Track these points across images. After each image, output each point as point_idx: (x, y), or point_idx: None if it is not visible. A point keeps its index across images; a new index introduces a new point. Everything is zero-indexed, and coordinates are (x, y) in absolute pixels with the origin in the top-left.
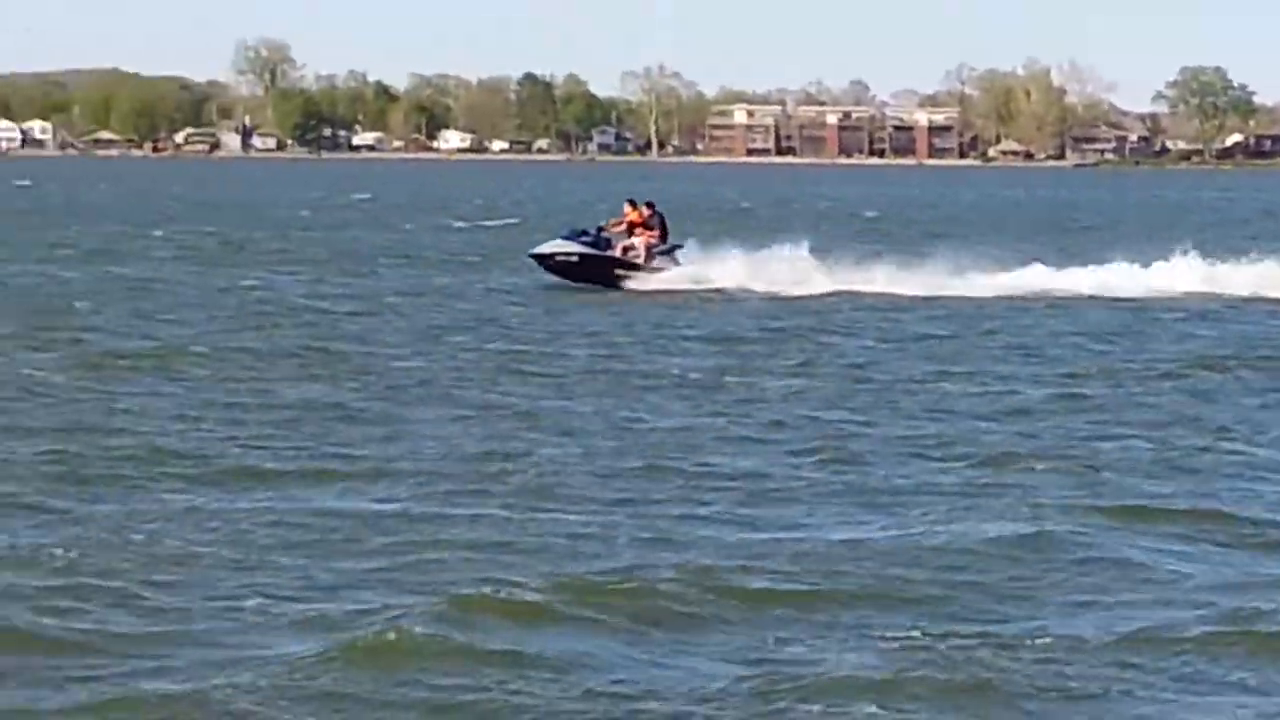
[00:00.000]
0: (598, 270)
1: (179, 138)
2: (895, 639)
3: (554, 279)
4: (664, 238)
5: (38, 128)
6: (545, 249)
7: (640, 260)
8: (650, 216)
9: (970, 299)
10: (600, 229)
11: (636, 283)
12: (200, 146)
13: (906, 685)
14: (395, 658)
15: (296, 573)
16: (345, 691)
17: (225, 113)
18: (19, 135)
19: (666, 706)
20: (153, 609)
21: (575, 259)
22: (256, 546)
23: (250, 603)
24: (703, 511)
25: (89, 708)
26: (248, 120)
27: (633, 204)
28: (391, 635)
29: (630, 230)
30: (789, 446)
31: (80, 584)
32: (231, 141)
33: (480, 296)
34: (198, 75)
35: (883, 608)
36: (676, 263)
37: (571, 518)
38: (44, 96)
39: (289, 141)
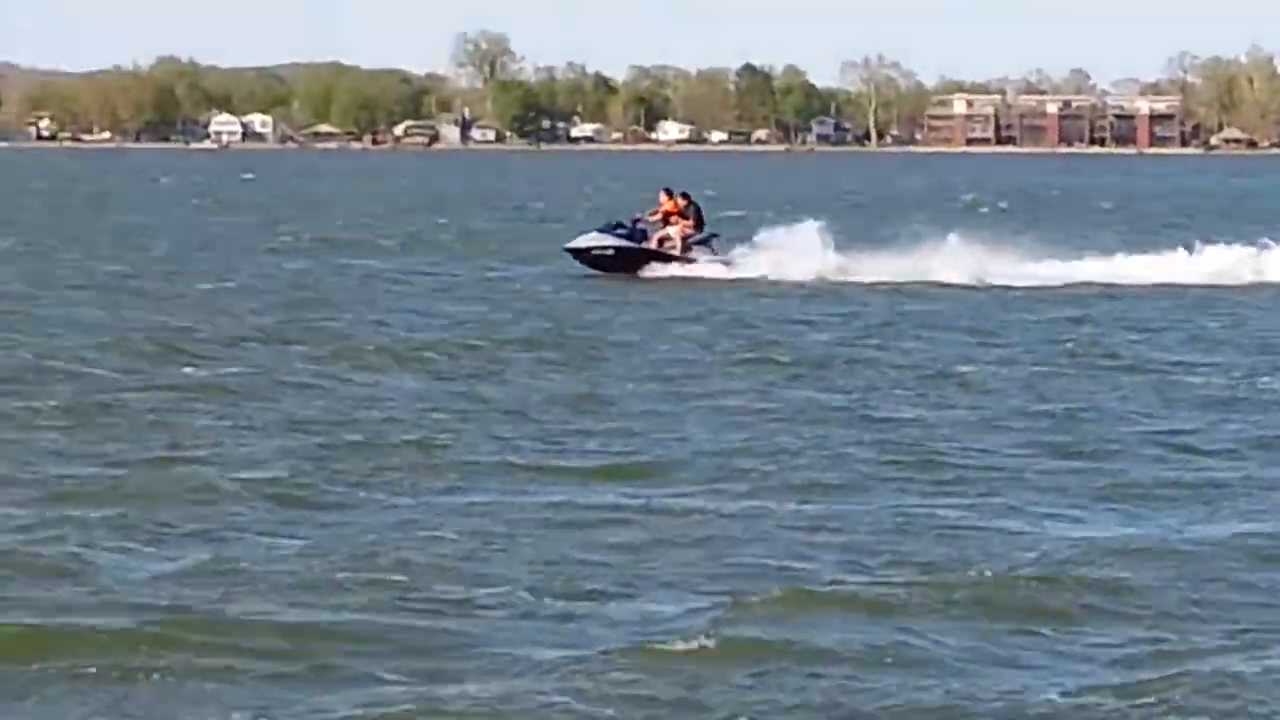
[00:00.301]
0: (633, 263)
1: (398, 130)
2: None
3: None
4: (699, 227)
5: (258, 121)
6: (580, 243)
7: (676, 251)
8: (686, 206)
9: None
10: (636, 220)
11: (658, 271)
12: (419, 139)
13: None
14: (722, 657)
15: (595, 570)
16: (672, 696)
17: (444, 105)
18: (239, 129)
19: (1038, 706)
20: (441, 605)
21: (610, 252)
22: (542, 543)
23: (547, 601)
24: (1017, 503)
25: (388, 707)
26: (467, 113)
27: (669, 193)
28: (709, 635)
29: (666, 220)
30: (1034, 437)
31: (368, 579)
32: (451, 134)
33: (710, 288)
34: (416, 68)
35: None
36: (713, 252)
37: (846, 509)
38: (264, 90)
39: (508, 134)
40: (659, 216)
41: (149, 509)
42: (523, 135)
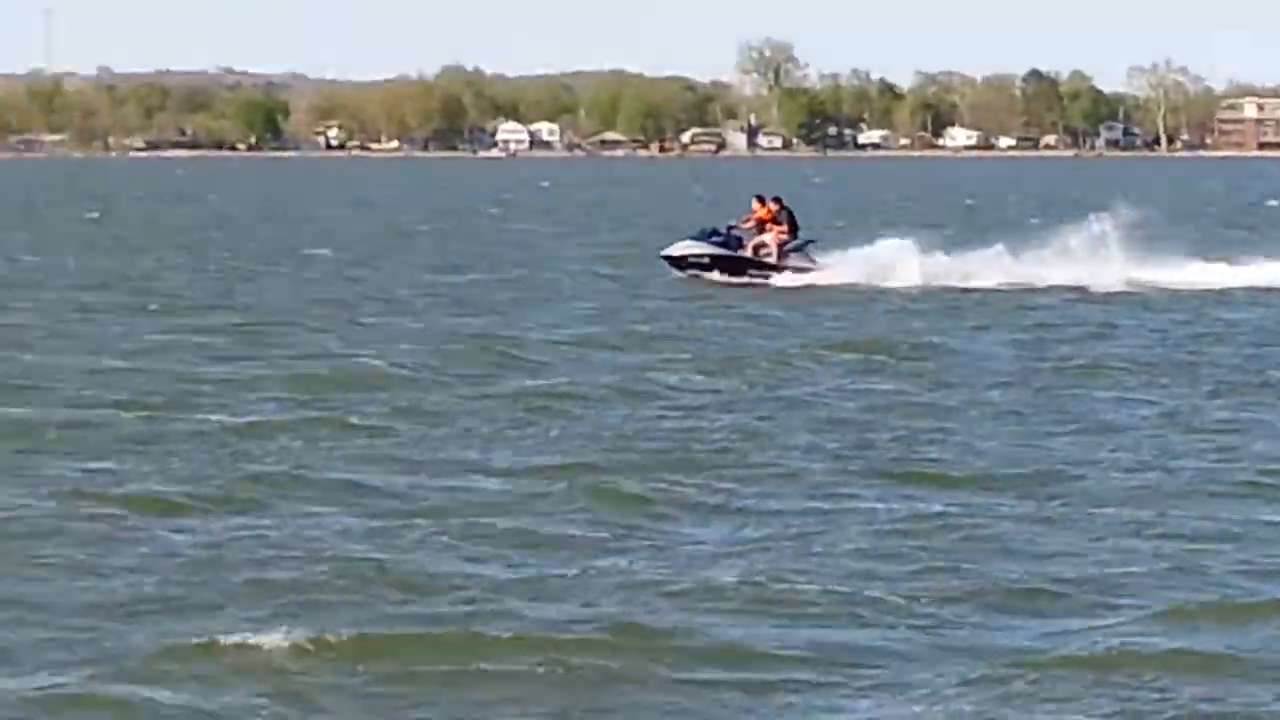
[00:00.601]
0: (731, 269)
1: (684, 138)
2: None
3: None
4: (794, 233)
5: (545, 129)
6: (676, 250)
7: (773, 258)
8: (779, 212)
9: None
10: (731, 227)
11: (783, 280)
12: (706, 146)
13: None
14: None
15: (1004, 579)
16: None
17: (729, 113)
18: (527, 137)
19: None
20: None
21: (706, 260)
22: (936, 553)
23: (950, 612)
24: None
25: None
26: (753, 119)
27: (761, 200)
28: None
29: (760, 227)
30: None
31: (764, 592)
32: (737, 141)
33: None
34: (699, 75)
35: None
36: (811, 259)
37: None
38: (551, 99)
39: (794, 140)
40: (752, 224)
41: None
42: (809, 142)
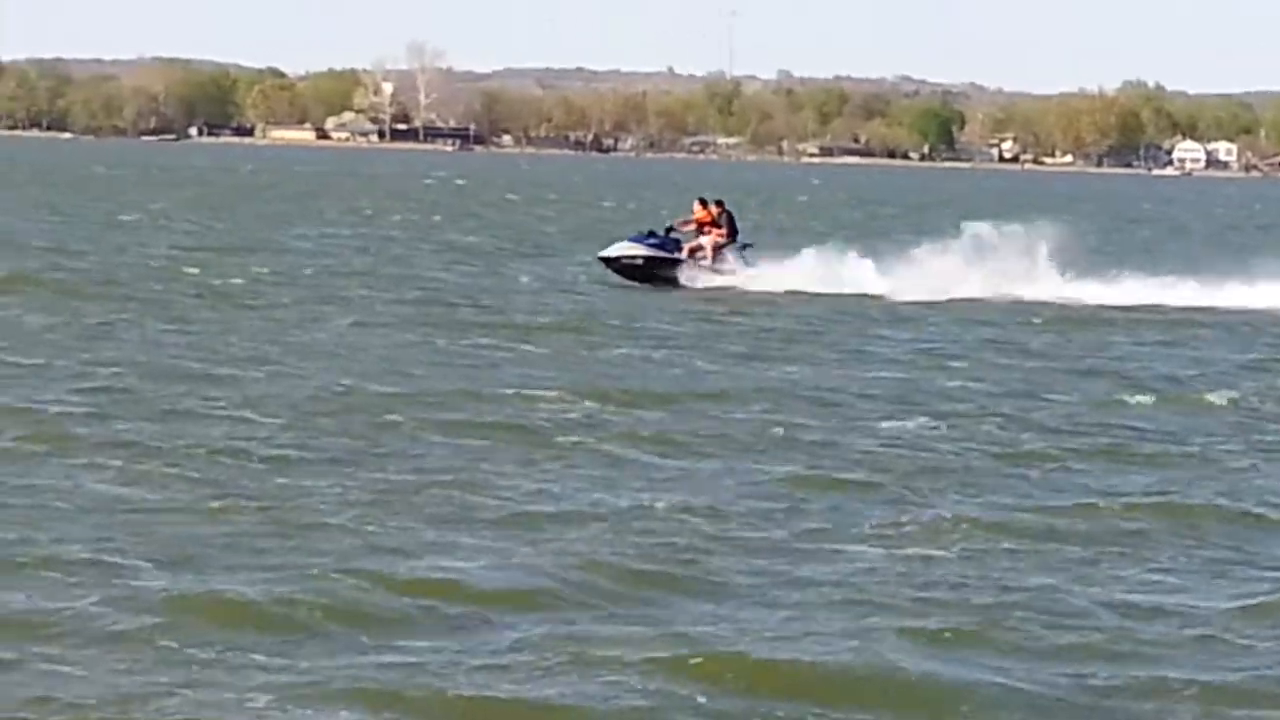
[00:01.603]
0: (662, 271)
1: None
2: None
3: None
4: (733, 237)
5: (1222, 149)
6: (612, 251)
7: (707, 260)
8: (720, 215)
9: None
10: (670, 229)
11: (691, 280)
12: None
13: None
14: None
15: None
16: None
17: None
18: (1203, 156)
19: None
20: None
21: (639, 261)
22: None
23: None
24: None
25: None
26: None
27: (703, 202)
28: None
29: (700, 229)
30: None
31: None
32: None
33: None
34: None
35: None
36: (747, 262)
37: None
38: (1231, 118)
39: None
40: (693, 226)
41: None
42: None
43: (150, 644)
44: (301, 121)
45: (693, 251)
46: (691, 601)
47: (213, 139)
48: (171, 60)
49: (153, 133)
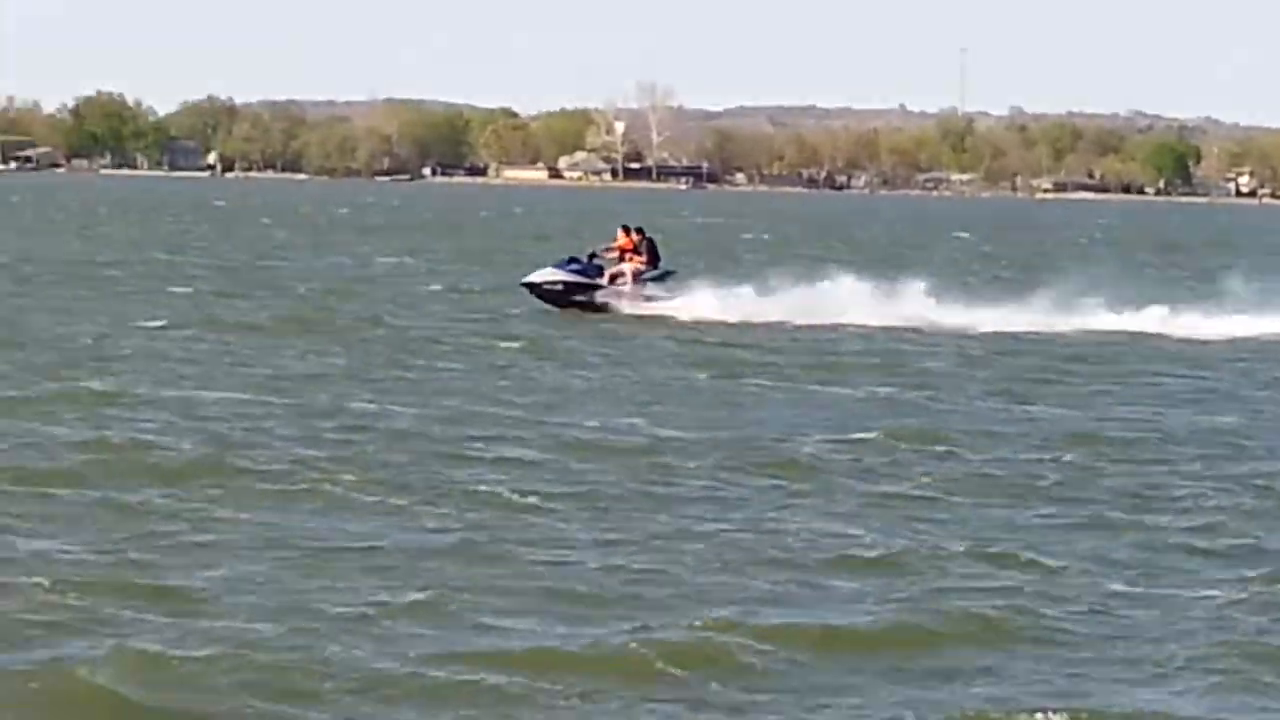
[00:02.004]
0: (581, 296)
1: None
2: None
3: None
4: (654, 263)
5: None
6: (534, 277)
7: (627, 287)
8: (640, 242)
9: None
10: (592, 255)
11: (615, 303)
12: None
13: None
14: None
15: None
16: None
17: None
18: None
19: None
20: None
21: (559, 286)
22: None
23: None
24: None
25: None
26: None
27: (625, 230)
28: None
29: (622, 256)
30: None
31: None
32: None
33: None
34: None
35: None
36: (667, 290)
37: None
38: None
39: None
40: (615, 253)
41: None
42: None
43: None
44: (534, 161)
45: (613, 278)
46: (1037, 651)
47: (446, 179)
48: (403, 101)
49: (386, 173)
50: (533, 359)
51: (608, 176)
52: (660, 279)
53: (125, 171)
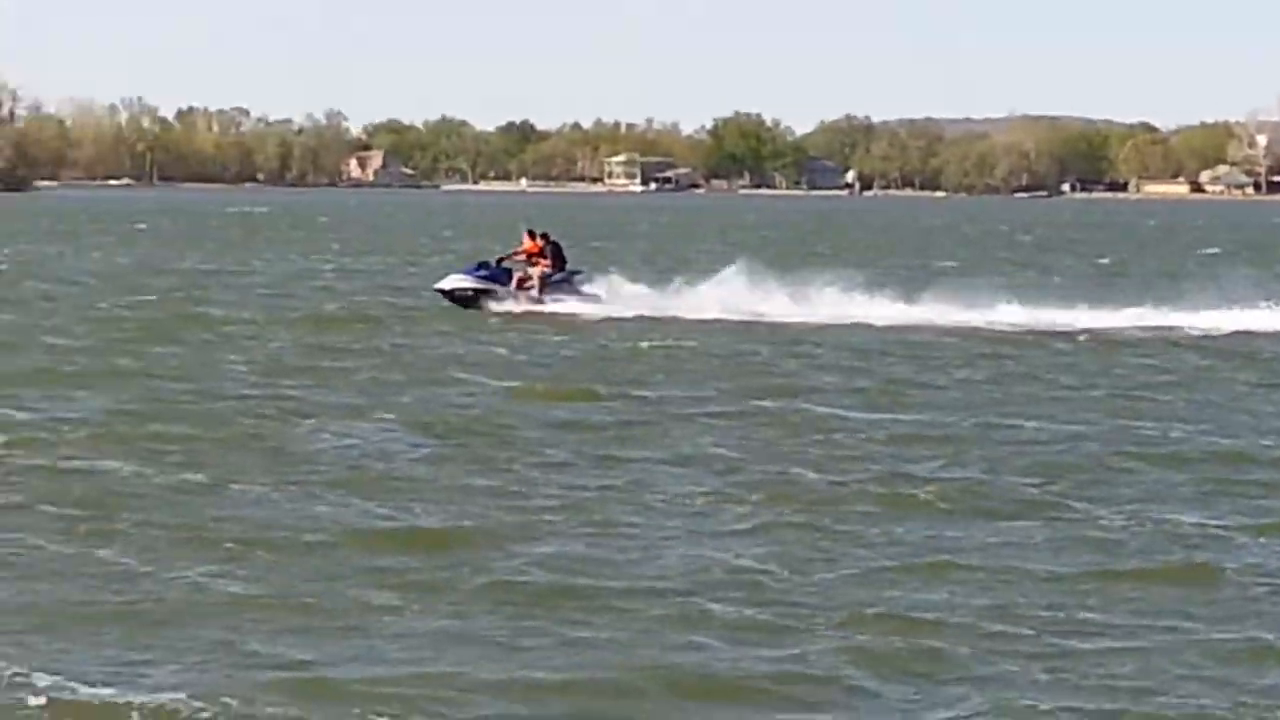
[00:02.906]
0: (492, 302)
1: None
2: None
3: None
4: (560, 266)
5: None
6: (445, 284)
7: (534, 290)
8: (545, 246)
9: None
10: (500, 260)
11: (500, 305)
12: None
13: None
14: None
15: None
16: None
17: None
18: None
19: None
20: None
21: (470, 292)
22: None
23: None
24: None
25: None
26: None
27: (531, 234)
28: None
29: (529, 260)
30: None
31: None
32: None
33: None
34: None
35: None
36: (577, 290)
37: None
38: None
39: None
40: (521, 257)
41: None
42: None
43: None
44: (1175, 175)
45: (521, 282)
46: None
47: (1085, 195)
48: (1039, 117)
49: (1025, 189)
50: None
51: (1250, 190)
52: (568, 280)
53: (764, 191)
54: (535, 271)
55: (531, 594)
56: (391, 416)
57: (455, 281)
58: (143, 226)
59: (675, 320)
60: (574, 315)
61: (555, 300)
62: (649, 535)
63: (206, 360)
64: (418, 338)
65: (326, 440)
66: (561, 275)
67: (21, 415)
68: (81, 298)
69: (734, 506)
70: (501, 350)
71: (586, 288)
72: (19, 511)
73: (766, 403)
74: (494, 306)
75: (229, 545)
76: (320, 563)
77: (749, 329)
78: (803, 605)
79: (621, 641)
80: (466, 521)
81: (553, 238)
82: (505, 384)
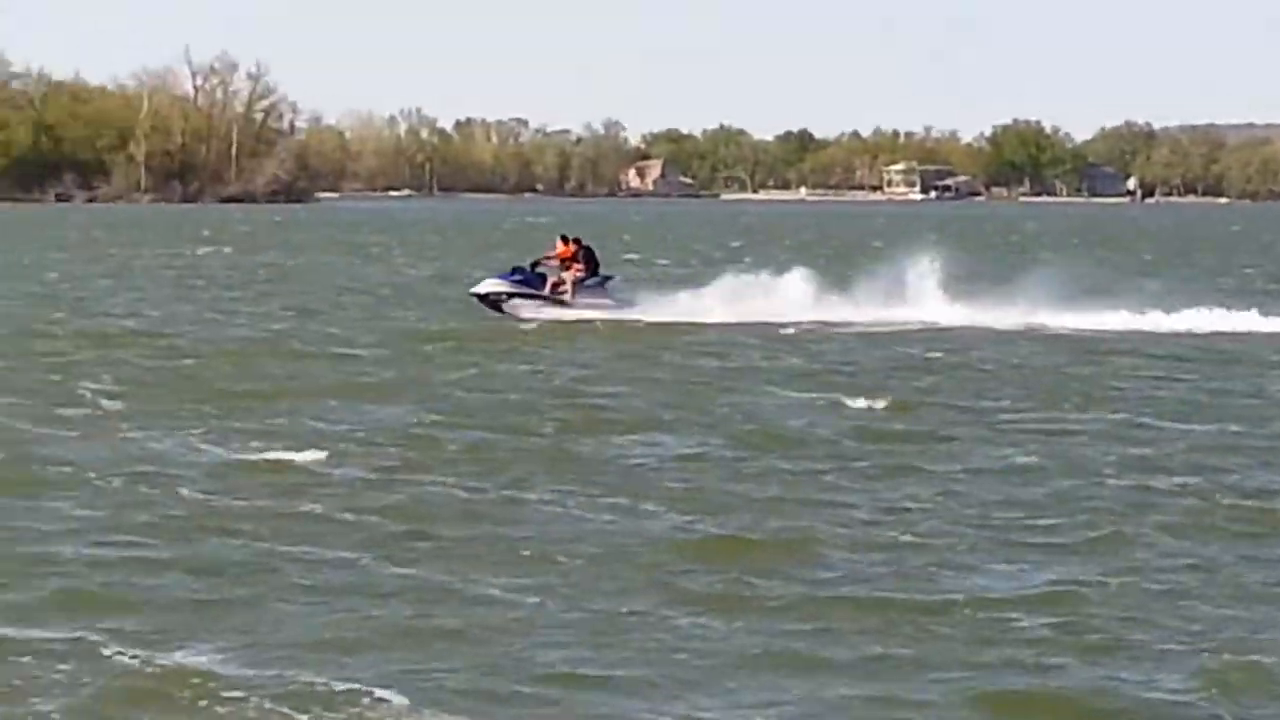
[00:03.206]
0: (526, 306)
1: None
2: None
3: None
4: (593, 271)
5: None
6: (481, 288)
7: (567, 295)
8: (578, 251)
9: None
10: (534, 265)
11: (518, 312)
12: None
13: None
14: None
15: None
16: None
17: None
18: None
19: None
20: None
21: (504, 296)
22: None
23: None
24: None
25: None
26: None
27: (564, 239)
28: None
29: (562, 264)
30: None
31: None
32: None
33: None
34: None
35: None
36: (608, 294)
37: None
38: None
39: None
40: (555, 261)
41: None
42: None
43: None
44: None
45: (555, 286)
46: None
47: None
48: None
49: None
50: None
51: None
52: (601, 284)
53: (1045, 199)
54: (568, 276)
55: (836, 607)
56: (699, 425)
57: (490, 285)
58: (435, 238)
59: (970, 328)
60: (701, 322)
61: (587, 305)
62: (957, 548)
63: (506, 371)
64: (715, 346)
65: (629, 450)
66: (595, 280)
67: (320, 425)
68: (377, 307)
69: (1044, 519)
70: (797, 360)
71: (620, 293)
72: (324, 522)
73: (1069, 413)
74: (523, 310)
75: (525, 554)
76: (623, 574)
77: (1052, 341)
78: (1139, 624)
79: (932, 661)
80: (770, 533)
81: (584, 242)
82: (807, 395)
